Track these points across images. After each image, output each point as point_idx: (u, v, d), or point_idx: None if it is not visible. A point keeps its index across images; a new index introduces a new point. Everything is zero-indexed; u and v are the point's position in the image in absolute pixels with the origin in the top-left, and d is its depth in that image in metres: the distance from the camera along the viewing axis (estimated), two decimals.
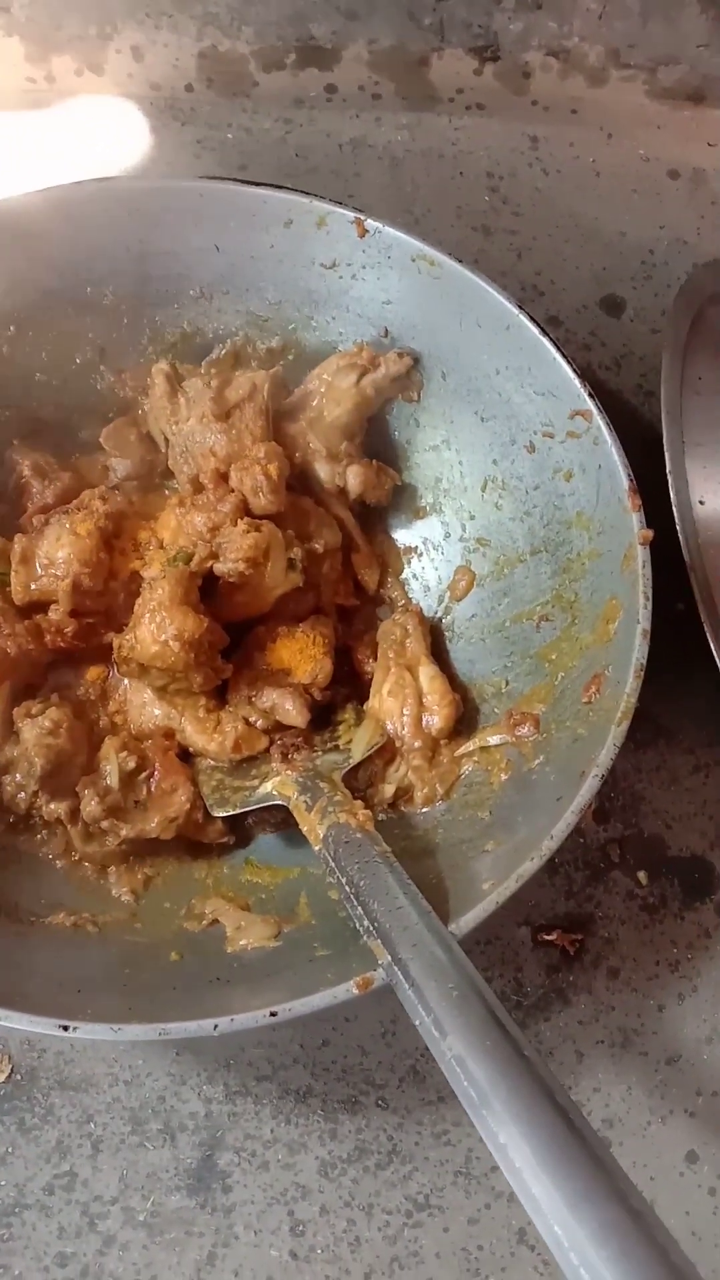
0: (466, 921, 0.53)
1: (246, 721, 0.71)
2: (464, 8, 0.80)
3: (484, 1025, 0.47)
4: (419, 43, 0.83)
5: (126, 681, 0.73)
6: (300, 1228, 0.59)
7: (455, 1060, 0.46)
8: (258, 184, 0.72)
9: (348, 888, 0.57)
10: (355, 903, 0.55)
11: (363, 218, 0.72)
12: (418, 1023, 0.48)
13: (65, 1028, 0.49)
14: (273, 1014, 0.51)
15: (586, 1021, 0.65)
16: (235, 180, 0.73)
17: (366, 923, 0.54)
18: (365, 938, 0.54)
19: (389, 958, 0.52)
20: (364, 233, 0.72)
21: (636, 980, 0.68)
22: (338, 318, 0.76)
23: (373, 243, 0.72)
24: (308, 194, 0.72)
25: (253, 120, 0.89)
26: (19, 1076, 0.62)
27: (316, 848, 0.61)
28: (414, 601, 0.78)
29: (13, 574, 0.71)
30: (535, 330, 0.68)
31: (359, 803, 0.63)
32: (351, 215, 0.72)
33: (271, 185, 0.72)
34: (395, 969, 0.51)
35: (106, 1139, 0.61)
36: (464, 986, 0.49)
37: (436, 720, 0.69)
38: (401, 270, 0.73)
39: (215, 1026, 0.50)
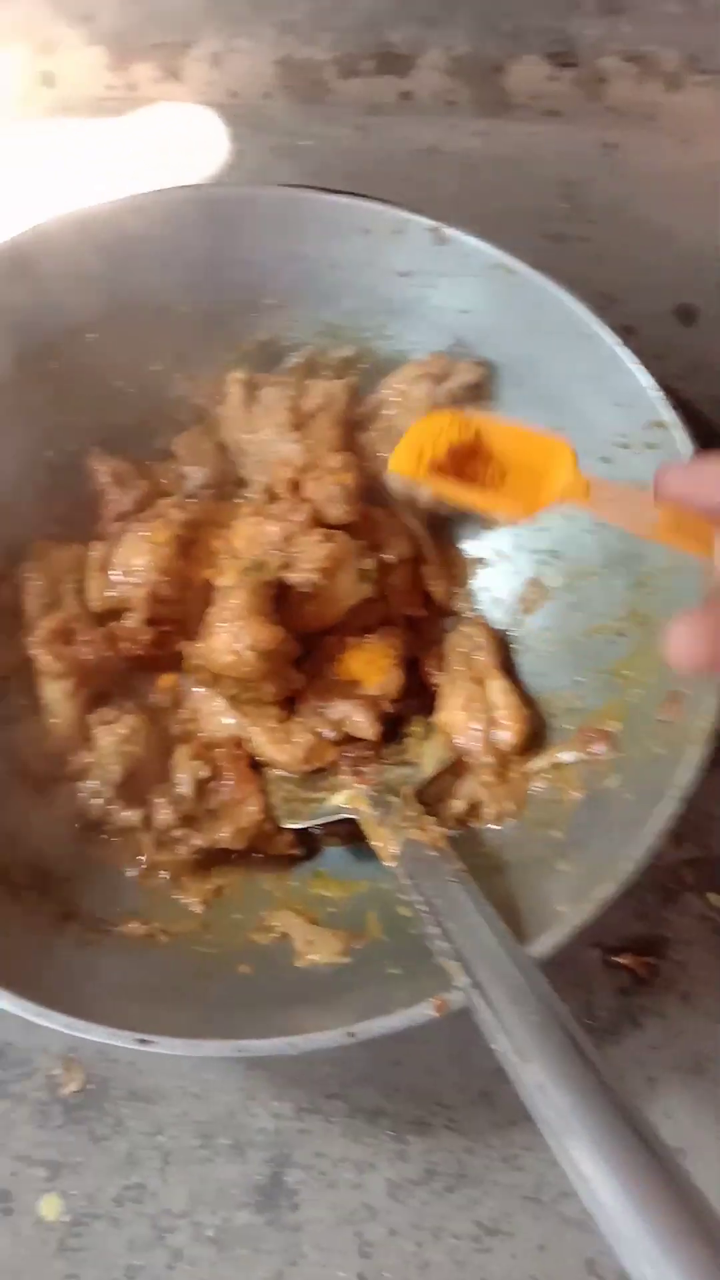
0: (544, 944, 0.53)
1: (316, 733, 0.71)
2: (542, 14, 0.79)
3: (566, 1052, 0.46)
4: (495, 49, 0.82)
5: (199, 689, 0.73)
6: (368, 1249, 0.59)
7: (537, 1088, 0.45)
8: (336, 191, 0.72)
9: (423, 906, 0.56)
10: (431, 922, 0.55)
11: (440, 226, 0.71)
12: (497, 1048, 0.48)
13: (143, 1041, 0.50)
14: (350, 1034, 0.51)
15: (658, 1046, 0.64)
16: (314, 188, 0.72)
17: (443, 943, 0.53)
18: (441, 958, 0.53)
19: (467, 980, 0.51)
20: (441, 241, 0.72)
21: (709, 1005, 0.66)
22: (412, 326, 0.76)
23: (450, 251, 0.72)
24: (386, 202, 0.72)
25: (328, 127, 0.88)
26: (91, 1086, 0.62)
27: (389, 864, 0.61)
28: (483, 613, 0.77)
29: (90, 581, 0.72)
30: (612, 340, 0.67)
31: (431, 819, 0.63)
32: (429, 223, 0.71)
33: (350, 193, 0.72)
34: (473, 991, 0.50)
35: (176, 1152, 0.61)
36: (544, 1012, 0.48)
37: (508, 736, 0.68)
38: (478, 278, 0.72)
39: (292, 1045, 0.50)
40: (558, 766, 0.66)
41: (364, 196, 0.72)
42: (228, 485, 0.79)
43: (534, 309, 0.70)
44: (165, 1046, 0.49)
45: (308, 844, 0.70)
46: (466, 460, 0.61)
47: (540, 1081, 0.45)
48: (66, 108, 0.91)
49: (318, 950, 0.62)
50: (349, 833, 0.69)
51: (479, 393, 0.75)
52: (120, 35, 0.86)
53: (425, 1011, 0.51)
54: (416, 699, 0.74)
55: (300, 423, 0.73)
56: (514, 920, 0.55)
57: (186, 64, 0.88)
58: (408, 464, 0.60)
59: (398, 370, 0.76)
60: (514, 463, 0.60)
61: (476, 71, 0.84)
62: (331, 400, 0.74)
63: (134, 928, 0.63)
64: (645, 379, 0.66)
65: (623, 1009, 0.65)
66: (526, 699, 0.71)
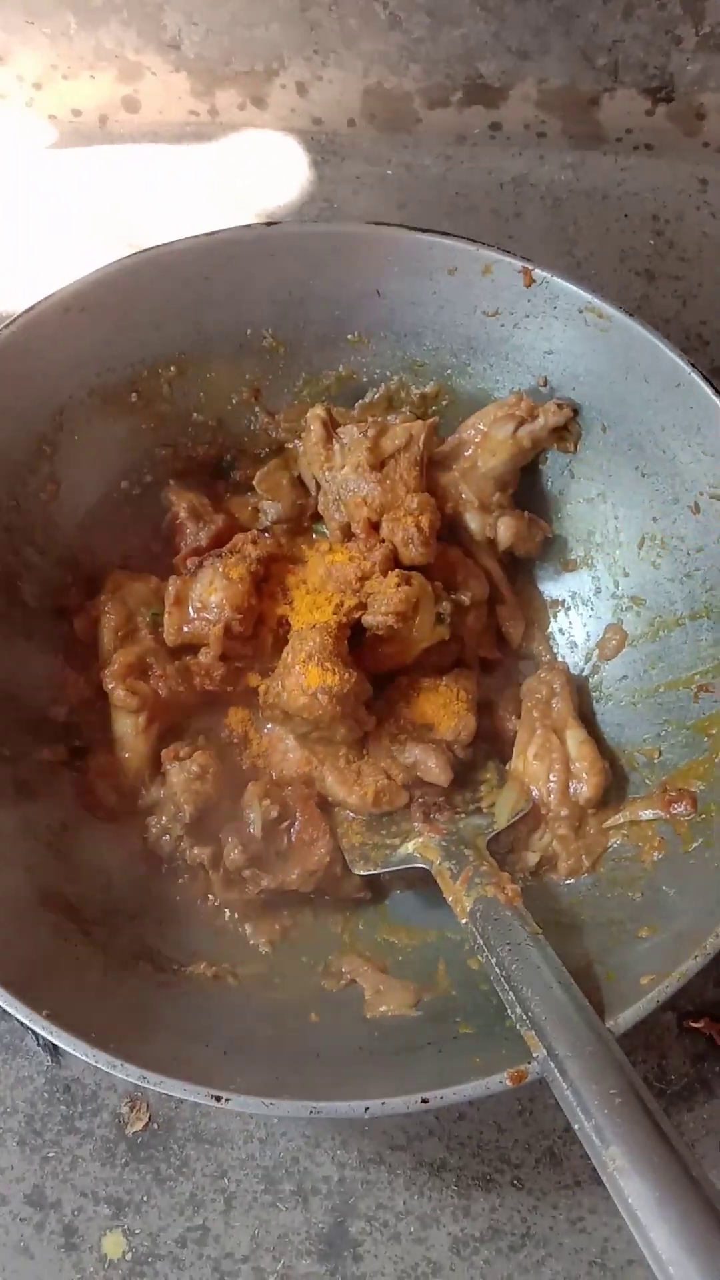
0: (626, 1019, 0.52)
1: (387, 775, 0.70)
2: (641, 48, 0.78)
3: (649, 1138, 0.45)
4: (590, 82, 0.80)
5: (270, 725, 0.73)
6: None
7: (619, 1174, 0.44)
8: (424, 230, 0.71)
9: (498, 969, 0.56)
10: (506, 987, 0.54)
11: (530, 267, 0.70)
12: (576, 1127, 0.47)
13: (218, 1099, 0.50)
14: (424, 1100, 0.50)
15: None
16: (401, 226, 0.72)
17: (519, 1010, 0.53)
18: (518, 1026, 0.52)
19: (544, 1052, 0.50)
20: (531, 282, 0.71)
21: None
22: (495, 365, 0.75)
23: (539, 292, 0.71)
24: (474, 241, 0.71)
25: (414, 157, 0.88)
26: (156, 1126, 0.62)
27: (462, 920, 0.60)
28: (560, 658, 0.76)
29: (166, 616, 0.72)
30: (709, 390, 0.66)
31: (506, 875, 0.62)
32: (519, 264, 0.70)
33: (438, 232, 0.71)
34: (551, 1065, 0.49)
35: (239, 1196, 0.61)
36: (626, 1093, 0.47)
37: (585, 789, 0.67)
38: (567, 320, 0.71)
39: (366, 1109, 0.50)
40: (636, 824, 0.65)
41: (452, 236, 0.71)
42: (303, 520, 0.79)
43: (625, 353, 0.69)
44: (240, 1105, 0.49)
45: (374, 887, 0.70)
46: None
47: (622, 1167, 0.44)
48: (149, 134, 0.91)
49: (387, 1001, 0.61)
50: (418, 878, 0.69)
51: (563, 435, 0.74)
52: (205, 62, 0.86)
53: (500, 1082, 0.50)
54: (489, 743, 0.74)
55: (380, 462, 0.73)
56: (591, 988, 0.55)
57: (271, 91, 0.87)
58: None
59: (480, 410, 0.75)
60: None
61: (569, 104, 0.82)
62: (412, 441, 0.73)
63: (203, 969, 0.63)
64: None
65: (697, 1075, 0.64)
66: (604, 750, 0.70)
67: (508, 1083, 0.50)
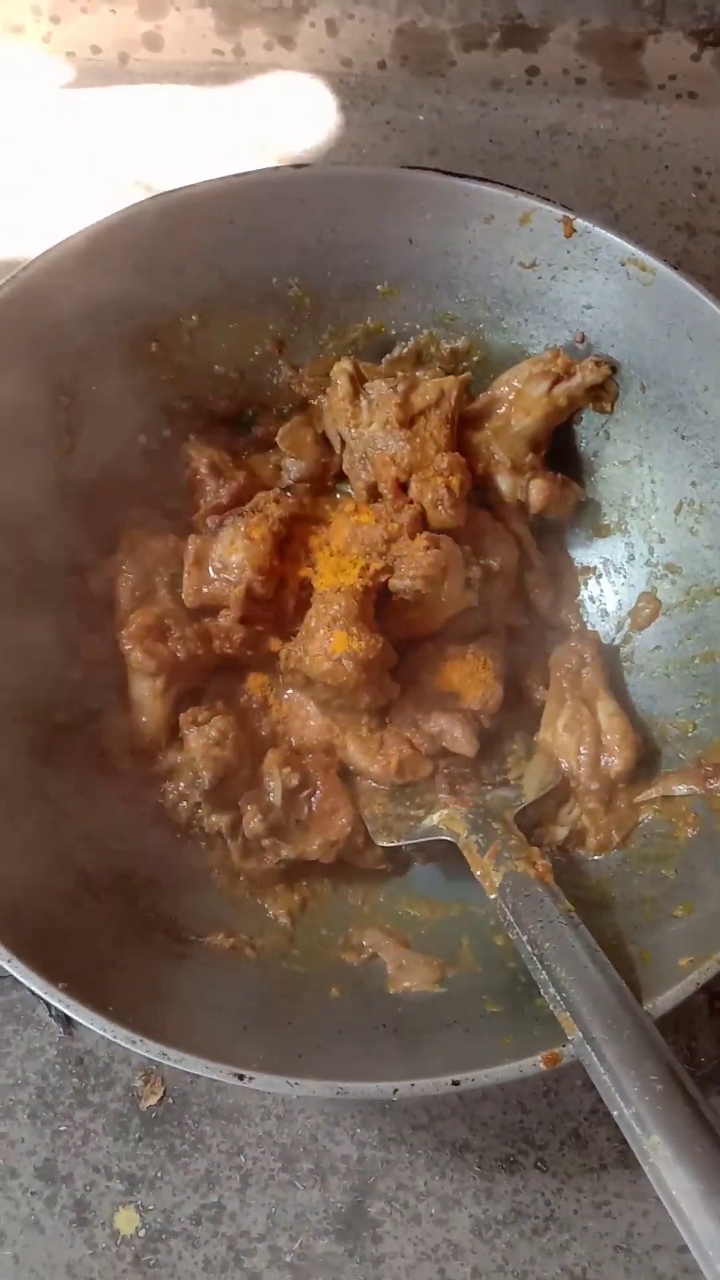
0: (664, 1002, 0.50)
1: (411, 744, 0.68)
2: None
3: (692, 1126, 0.43)
4: (635, 24, 0.76)
5: (290, 691, 0.71)
6: None
7: (661, 1163, 0.43)
8: (461, 175, 0.68)
9: (529, 947, 0.53)
10: (539, 966, 0.52)
11: (571, 216, 0.67)
12: (615, 1114, 0.45)
13: (241, 1077, 0.48)
14: (455, 1083, 0.48)
15: None
16: (436, 170, 0.68)
17: (553, 991, 0.51)
18: (552, 1007, 0.50)
19: (579, 1035, 0.48)
20: (572, 232, 0.68)
21: None
22: (531, 320, 0.72)
23: (580, 243, 0.68)
24: (513, 188, 0.68)
25: (446, 101, 0.84)
26: (170, 1100, 0.60)
27: (491, 895, 0.58)
28: (590, 627, 0.74)
29: (185, 576, 0.69)
30: None
31: (536, 850, 0.60)
32: (560, 213, 0.67)
33: (475, 177, 0.68)
34: (588, 1048, 0.48)
35: (256, 1173, 0.59)
36: (667, 1079, 0.45)
37: (616, 762, 0.65)
38: (608, 273, 0.68)
39: (395, 1091, 0.48)
40: (669, 799, 0.63)
41: (490, 181, 0.68)
42: (327, 479, 0.76)
43: (668, 309, 0.66)
44: (264, 1084, 0.48)
45: (395, 859, 0.68)
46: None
47: (665, 1157, 0.42)
48: (171, 74, 0.87)
49: (410, 977, 0.60)
50: (441, 851, 0.66)
51: (600, 395, 0.71)
52: None
53: (534, 1065, 0.49)
54: (513, 714, 0.71)
55: (409, 419, 0.70)
56: (625, 969, 0.53)
57: (300, 30, 0.83)
58: None
59: (514, 366, 0.72)
60: None
61: (611, 48, 0.79)
62: (443, 397, 0.70)
63: (220, 940, 0.61)
64: None
65: None
66: (637, 723, 0.67)
67: (542, 1065, 0.49)
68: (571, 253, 0.68)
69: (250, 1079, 0.48)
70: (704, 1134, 0.43)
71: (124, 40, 0.87)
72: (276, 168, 0.68)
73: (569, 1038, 0.49)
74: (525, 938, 0.54)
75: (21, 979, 0.49)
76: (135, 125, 0.86)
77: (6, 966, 0.49)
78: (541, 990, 0.52)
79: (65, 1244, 0.58)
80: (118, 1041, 0.48)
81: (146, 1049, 0.48)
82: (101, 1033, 0.48)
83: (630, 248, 0.66)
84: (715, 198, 0.80)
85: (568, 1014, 0.49)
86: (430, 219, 0.70)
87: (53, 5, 0.85)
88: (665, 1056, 0.46)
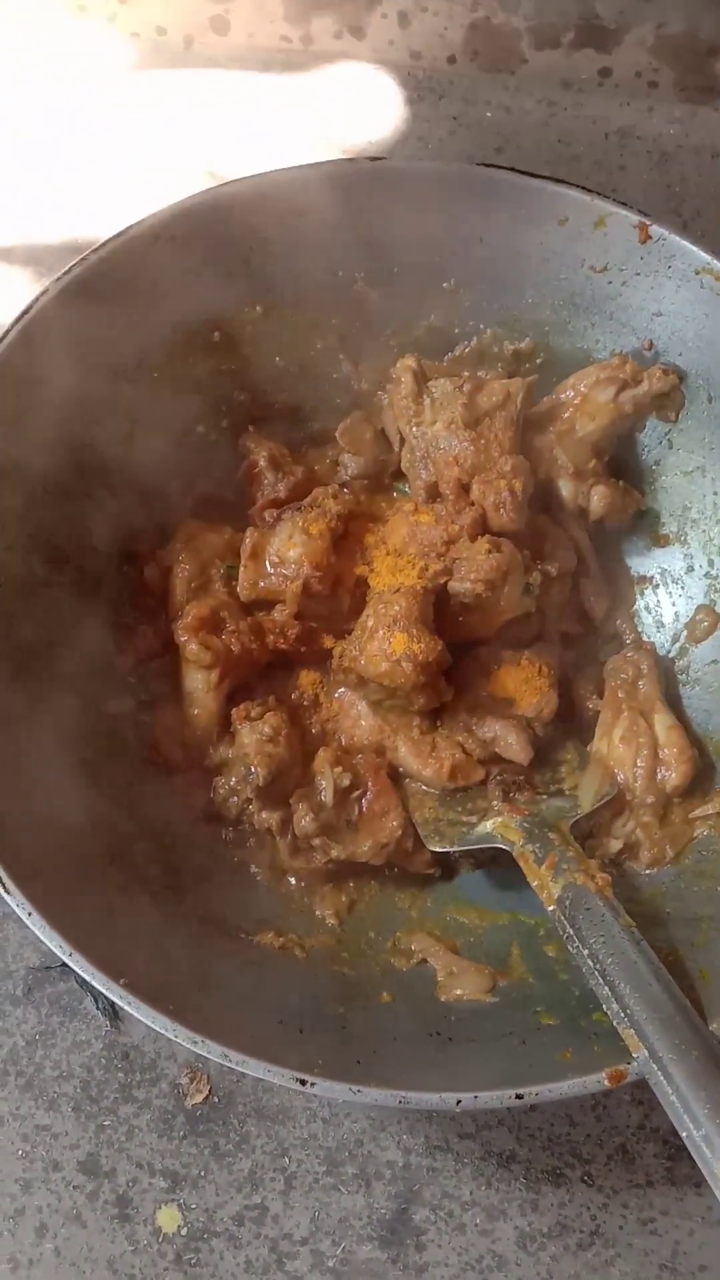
0: None
1: (463, 749, 0.67)
2: None
3: None
4: (712, 30, 0.76)
5: (341, 690, 0.70)
6: None
7: None
8: (536, 175, 0.67)
9: (590, 961, 0.53)
10: (601, 981, 0.52)
11: (648, 222, 0.66)
12: (684, 1135, 0.45)
13: (303, 1082, 0.47)
14: (518, 1096, 0.48)
15: None
16: (512, 170, 0.68)
17: (615, 1006, 0.50)
18: (616, 1023, 0.50)
19: (644, 1053, 0.48)
20: (647, 239, 0.67)
21: None
22: (597, 324, 0.71)
23: (654, 250, 0.67)
24: (590, 191, 0.67)
25: (514, 99, 0.83)
26: (216, 1099, 0.60)
27: (549, 907, 0.58)
28: (646, 638, 0.73)
29: (242, 569, 0.68)
30: None
31: (595, 863, 0.59)
32: (635, 219, 0.66)
33: (551, 179, 0.67)
34: (654, 1067, 0.47)
35: (300, 1176, 0.59)
36: None
37: (673, 776, 0.65)
38: (681, 281, 0.67)
39: (459, 1102, 0.47)
40: None
41: (567, 183, 0.67)
42: (384, 477, 0.75)
43: None
44: (325, 1090, 0.47)
45: (443, 864, 0.67)
46: None
47: None
48: (237, 59, 0.86)
49: (461, 985, 0.59)
50: (489, 857, 0.66)
51: (666, 403, 0.70)
52: None
53: (599, 1081, 0.48)
54: (565, 723, 0.71)
55: (475, 420, 0.69)
56: (686, 987, 0.52)
57: (371, 20, 0.82)
58: None
59: (579, 371, 0.71)
60: None
61: (686, 52, 0.78)
62: (509, 398, 0.69)
63: (270, 938, 0.61)
64: None
65: None
66: (693, 738, 0.67)
67: (606, 1083, 0.48)
68: (645, 259, 0.67)
69: (312, 1085, 0.47)
70: None
71: (190, 22, 0.86)
72: (351, 160, 0.68)
73: (634, 1055, 0.48)
74: (586, 952, 0.53)
75: (83, 974, 0.48)
76: (199, 110, 0.85)
77: (69, 961, 0.48)
78: (604, 1006, 0.51)
79: (107, 1239, 0.57)
80: (179, 1041, 0.47)
81: (208, 1049, 0.47)
82: (163, 1031, 0.47)
83: (706, 257, 0.65)
84: None
85: (632, 1031, 0.49)
86: (503, 218, 0.69)
87: None
88: None
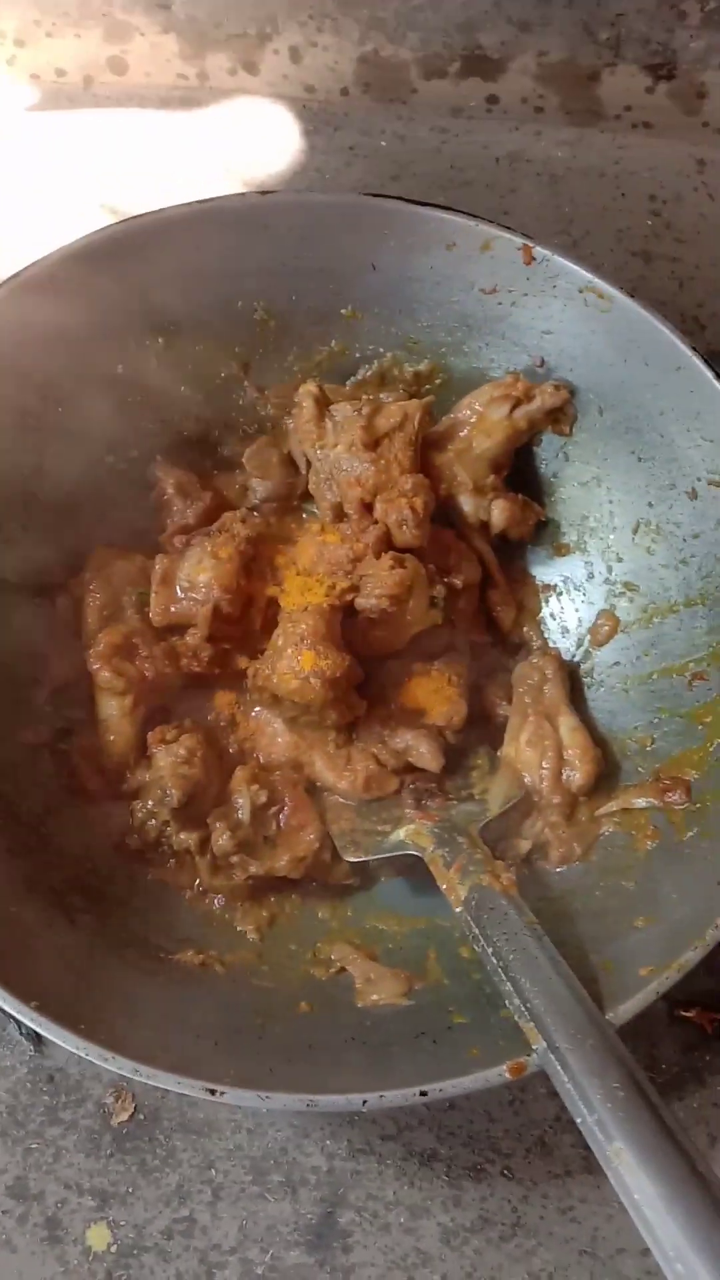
0: (626, 1011, 0.51)
1: (377, 760, 0.69)
2: (644, 23, 0.76)
3: (656, 1135, 0.44)
4: (591, 57, 0.79)
5: (258, 709, 0.71)
6: None
7: (624, 1170, 0.44)
8: (423, 203, 0.70)
9: (494, 959, 0.55)
10: (503, 978, 0.53)
11: (531, 244, 0.69)
12: (579, 1121, 0.46)
13: (212, 1091, 0.48)
14: (423, 1094, 0.49)
15: None
16: (399, 198, 0.70)
17: (517, 1001, 0.52)
18: (516, 1017, 0.52)
19: (544, 1044, 0.50)
20: (531, 260, 0.69)
21: None
22: (491, 344, 0.74)
23: (539, 270, 0.69)
24: (474, 216, 0.69)
25: (408, 128, 0.86)
26: (142, 1116, 0.61)
27: (457, 909, 0.59)
28: (551, 644, 0.75)
29: (153, 595, 0.70)
30: (710, 375, 0.65)
31: (501, 863, 0.61)
32: (519, 241, 0.69)
33: (437, 205, 0.70)
34: (552, 1058, 0.49)
35: (227, 1187, 0.60)
36: (630, 1087, 0.46)
37: (578, 776, 0.67)
38: (566, 300, 0.70)
39: (364, 1102, 0.49)
40: (629, 812, 0.65)
41: (452, 210, 0.69)
42: (293, 499, 0.77)
43: (624, 335, 0.68)
44: (235, 1098, 0.48)
45: (363, 873, 0.69)
46: None
47: (629, 1164, 0.44)
48: (136, 97, 0.88)
49: (378, 990, 0.61)
50: (408, 865, 0.68)
51: (559, 418, 0.73)
52: (196, 24, 0.83)
53: (500, 1075, 0.50)
54: (477, 730, 0.73)
55: (375, 442, 0.71)
56: (588, 979, 0.54)
57: (264, 56, 0.85)
58: None
59: (475, 390, 0.74)
60: None
61: (568, 78, 0.81)
62: (406, 419, 0.71)
63: (190, 956, 0.62)
64: None
65: (687, 1064, 0.63)
66: (597, 738, 0.69)
67: (507, 1075, 0.50)
68: (531, 279, 0.70)
69: (222, 1093, 0.48)
70: (665, 1140, 0.44)
71: (89, 64, 0.88)
72: (242, 194, 0.70)
73: (534, 1047, 0.50)
74: (490, 950, 0.55)
75: None
76: (100, 149, 0.87)
77: None
78: (506, 1001, 0.53)
79: (37, 1262, 0.58)
80: (89, 1058, 0.49)
81: (118, 1065, 0.49)
82: (74, 1050, 0.49)
83: (588, 275, 0.68)
84: (670, 225, 0.82)
85: (532, 1024, 0.51)
86: (393, 245, 0.71)
87: (17, 29, 0.85)
88: (627, 1064, 0.48)
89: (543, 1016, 0.51)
